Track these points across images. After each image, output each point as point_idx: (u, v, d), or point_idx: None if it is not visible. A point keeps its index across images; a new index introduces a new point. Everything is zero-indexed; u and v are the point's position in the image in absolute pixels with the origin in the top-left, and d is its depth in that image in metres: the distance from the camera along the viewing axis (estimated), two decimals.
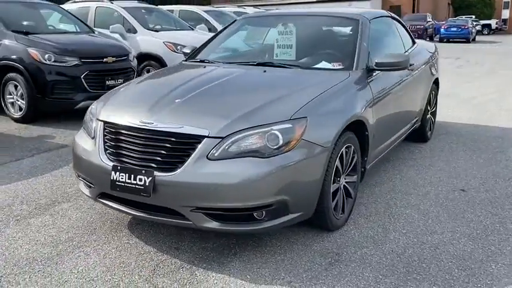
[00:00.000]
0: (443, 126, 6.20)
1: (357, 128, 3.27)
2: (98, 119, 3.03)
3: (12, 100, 6.34)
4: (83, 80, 6.11)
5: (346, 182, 3.25)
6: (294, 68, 3.58)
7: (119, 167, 2.72)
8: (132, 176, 2.66)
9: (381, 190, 3.95)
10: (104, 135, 2.91)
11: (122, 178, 2.70)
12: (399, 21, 4.87)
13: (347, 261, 2.79)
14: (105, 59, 6.40)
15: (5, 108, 6.45)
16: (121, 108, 3.03)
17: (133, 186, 2.65)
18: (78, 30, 7.47)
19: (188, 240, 3.02)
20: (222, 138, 2.59)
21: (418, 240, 3.06)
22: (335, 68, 3.55)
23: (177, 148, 2.64)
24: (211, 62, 3.90)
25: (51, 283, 2.54)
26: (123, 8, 8.86)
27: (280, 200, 2.62)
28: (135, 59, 7.08)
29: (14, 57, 6.18)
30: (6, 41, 6.31)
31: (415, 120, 4.82)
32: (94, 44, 6.75)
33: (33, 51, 6.05)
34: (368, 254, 2.88)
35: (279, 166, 2.58)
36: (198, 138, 2.61)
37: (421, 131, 5.24)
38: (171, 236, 3.08)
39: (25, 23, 6.74)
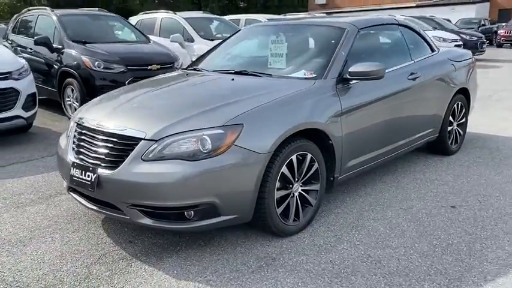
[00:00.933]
0: (486, 139, 5.79)
1: (318, 136, 3.29)
2: (73, 120, 3.40)
3: (69, 102, 7.10)
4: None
5: (303, 190, 3.27)
6: (265, 76, 3.68)
7: (75, 164, 3.05)
8: (83, 172, 2.97)
9: (364, 201, 3.87)
10: (74, 135, 3.26)
11: (76, 173, 3.02)
12: (411, 29, 4.70)
13: (277, 267, 2.84)
14: (149, 67, 6.91)
15: (64, 109, 7.23)
16: (90, 111, 3.37)
17: (83, 181, 2.96)
18: (136, 39, 8.11)
19: (145, 235, 3.26)
20: (156, 141, 2.80)
21: (365, 253, 3.00)
22: (306, 76, 3.58)
23: (120, 148, 2.90)
24: (199, 70, 4.12)
25: (9, 262, 2.92)
26: (184, 18, 9.41)
27: (208, 201, 2.76)
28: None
29: (71, 64, 6.92)
30: (67, 50, 7.08)
31: (426, 132, 4.61)
32: (141, 52, 7.30)
33: (85, 59, 6.73)
34: (303, 262, 2.90)
35: (206, 169, 2.72)
36: (136, 140, 2.85)
37: (440, 144, 4.99)
38: (133, 230, 3.34)
39: (86, 33, 7.47)
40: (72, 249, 3.08)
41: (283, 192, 3.12)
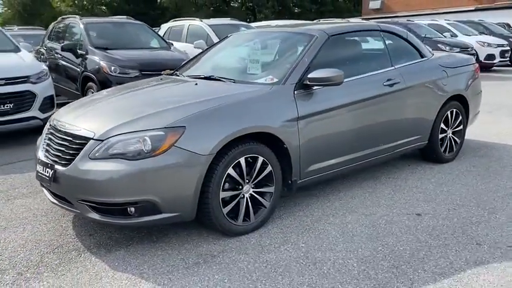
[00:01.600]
0: (493, 148, 5.59)
1: (272, 140, 3.38)
2: (49, 121, 3.69)
3: None
4: None
5: (255, 192, 3.37)
6: (228, 82, 3.81)
7: (40, 160, 3.32)
8: (44, 167, 3.23)
9: (330, 205, 3.90)
10: (45, 135, 3.54)
11: (40, 169, 3.29)
12: (398, 35, 4.66)
13: (213, 264, 2.96)
14: (163, 72, 7.18)
15: None
16: (61, 113, 3.64)
17: (44, 176, 3.22)
18: (159, 46, 8.46)
19: (105, 230, 3.47)
20: (102, 140, 3.01)
21: (304, 255, 3.06)
22: (266, 82, 3.67)
23: (73, 147, 3.13)
24: (177, 75, 4.32)
25: None
26: (209, 25, 9.70)
27: (147, 199, 2.93)
28: None
29: (92, 69, 7.35)
30: (90, 56, 7.53)
31: (411, 139, 4.56)
32: (157, 58, 7.61)
33: (103, 64, 7.13)
34: (240, 260, 3.00)
35: (145, 168, 2.89)
36: (87, 140, 3.07)
37: (431, 151, 4.90)
38: (98, 225, 3.56)
39: (108, 40, 7.90)
40: (36, 239, 3.34)
41: (231, 193, 3.23)
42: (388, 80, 4.22)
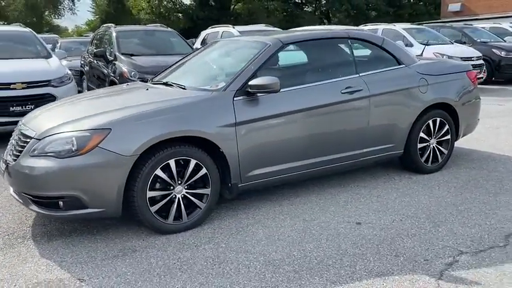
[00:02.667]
0: (491, 160, 5.32)
1: (208, 144, 3.55)
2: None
3: None
4: None
5: (188, 193, 3.55)
6: (177, 87, 4.01)
7: (2, 157, 3.74)
8: (3, 163, 3.64)
9: (277, 210, 3.96)
10: (13, 135, 3.96)
11: (1, 166, 3.70)
12: (372, 43, 4.60)
13: (129, 257, 3.17)
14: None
15: None
16: (29, 115, 4.04)
17: (1, 170, 3.62)
18: (186, 52, 8.85)
19: (58, 222, 3.79)
20: (40, 140, 3.34)
21: (217, 255, 3.18)
22: (210, 88, 3.83)
23: (22, 145, 3.50)
24: (144, 81, 4.60)
25: None
26: (240, 31, 9.97)
27: (72, 194, 3.22)
28: None
29: (116, 74, 7.89)
30: (117, 62, 8.08)
31: (380, 147, 4.48)
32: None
33: (125, 69, 7.63)
34: (155, 256, 3.19)
35: (70, 166, 3.18)
36: (30, 138, 3.42)
37: (410, 161, 4.78)
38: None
39: (136, 47, 8.42)
40: None
41: (161, 193, 3.43)
42: (348, 87, 4.20)
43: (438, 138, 4.90)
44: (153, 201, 3.42)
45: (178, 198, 3.51)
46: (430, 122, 4.78)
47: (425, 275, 2.88)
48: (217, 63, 4.28)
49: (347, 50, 4.44)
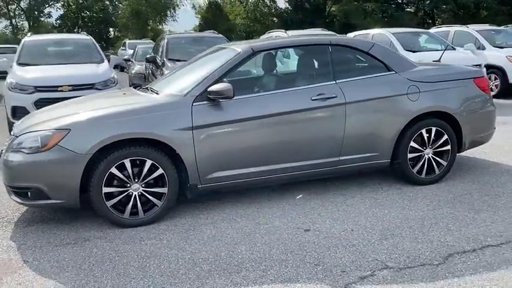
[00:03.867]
0: (493, 172, 4.95)
1: (164, 146, 3.80)
2: None
3: None
4: None
5: (146, 191, 3.82)
6: (151, 93, 4.29)
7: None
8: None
9: (238, 213, 4.06)
10: None
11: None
12: (358, 49, 4.51)
13: (77, 246, 3.52)
14: None
15: None
16: (26, 115, 4.58)
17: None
18: None
19: (32, 209, 4.22)
20: (17, 137, 3.82)
21: (152, 250, 3.41)
22: (175, 94, 4.06)
23: (10, 142, 4.01)
24: (137, 88, 4.95)
25: None
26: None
27: (36, 186, 3.64)
28: None
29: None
30: (164, 67, 8.64)
31: (361, 156, 4.38)
32: None
33: (165, 72, 8.13)
34: (98, 246, 3.50)
35: (33, 161, 3.62)
36: (14, 136, 3.92)
37: (399, 172, 4.61)
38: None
39: (183, 52, 8.91)
40: None
41: (117, 189, 3.74)
42: (320, 94, 4.18)
43: (435, 148, 4.64)
44: (110, 196, 3.73)
45: (135, 195, 3.79)
46: (424, 131, 4.56)
47: (328, 285, 2.85)
48: (196, 70, 4.49)
49: (326, 56, 4.40)
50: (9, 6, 41.26)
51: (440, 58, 5.71)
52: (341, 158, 4.34)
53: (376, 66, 4.54)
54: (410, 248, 3.31)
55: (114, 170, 3.69)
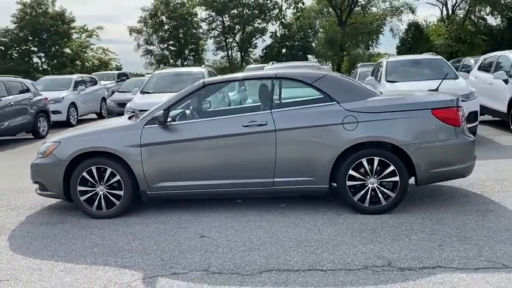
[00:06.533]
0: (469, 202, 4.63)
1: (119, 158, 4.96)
2: None
3: None
4: None
5: (109, 193, 5.02)
6: (135, 118, 5.44)
7: None
8: None
9: (183, 218, 4.86)
10: None
11: None
12: (301, 81, 4.91)
13: (53, 227, 4.90)
14: None
15: None
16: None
17: None
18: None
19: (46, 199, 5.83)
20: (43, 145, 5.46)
21: (91, 233, 4.57)
22: (141, 118, 5.16)
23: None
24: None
25: None
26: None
27: (40, 181, 5.21)
28: None
29: None
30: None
31: (295, 179, 4.74)
32: None
33: None
34: (64, 230, 4.81)
35: (39, 163, 5.19)
36: None
37: (340, 197, 4.80)
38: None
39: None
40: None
41: (88, 189, 5.02)
42: (252, 121, 4.74)
43: (381, 178, 4.65)
44: (84, 193, 5.03)
45: (100, 195, 5.02)
46: (364, 160, 4.64)
47: (138, 280, 3.54)
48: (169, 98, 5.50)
49: (268, 88, 4.92)
50: (227, 40, 47.90)
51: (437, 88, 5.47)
52: (275, 179, 4.79)
53: (318, 97, 4.84)
54: (246, 261, 3.70)
55: (85, 174, 4.99)
